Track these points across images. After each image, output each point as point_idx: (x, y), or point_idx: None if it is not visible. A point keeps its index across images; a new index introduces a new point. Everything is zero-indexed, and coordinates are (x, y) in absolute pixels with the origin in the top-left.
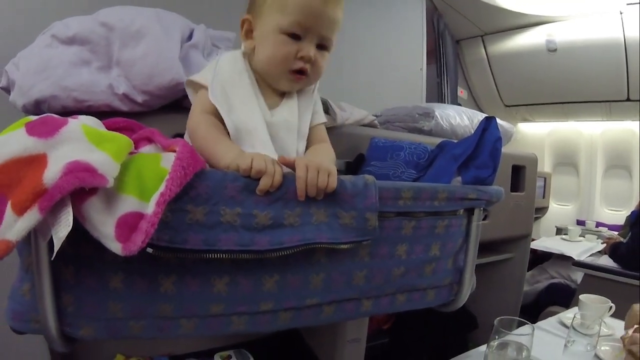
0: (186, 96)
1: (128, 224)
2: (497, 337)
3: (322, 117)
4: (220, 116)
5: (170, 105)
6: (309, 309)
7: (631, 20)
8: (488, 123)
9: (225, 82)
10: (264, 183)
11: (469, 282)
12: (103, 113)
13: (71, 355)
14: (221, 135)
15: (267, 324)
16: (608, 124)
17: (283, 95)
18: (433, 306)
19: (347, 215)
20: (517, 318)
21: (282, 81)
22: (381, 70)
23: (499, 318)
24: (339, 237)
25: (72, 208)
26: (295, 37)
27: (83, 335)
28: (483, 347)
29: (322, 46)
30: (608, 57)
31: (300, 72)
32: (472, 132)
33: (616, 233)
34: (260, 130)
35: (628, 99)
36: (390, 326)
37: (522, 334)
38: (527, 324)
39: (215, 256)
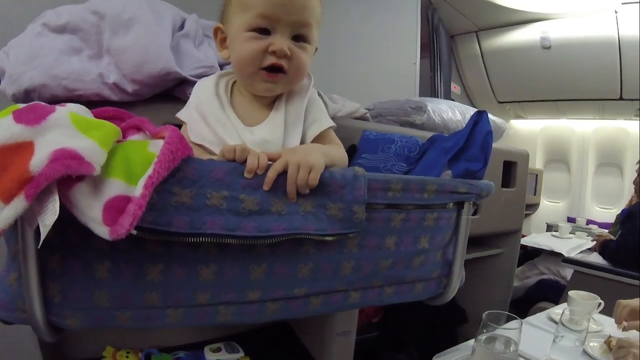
0: (177, 86)
1: (115, 207)
2: (485, 330)
3: (325, 123)
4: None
5: (160, 95)
6: (297, 300)
7: (626, 19)
8: (479, 116)
9: (199, 114)
10: (250, 162)
11: (458, 276)
12: (93, 102)
13: (61, 347)
14: (205, 153)
15: (255, 315)
16: (600, 122)
17: (272, 105)
18: (421, 299)
19: (335, 206)
20: (506, 312)
21: (257, 84)
22: (374, 63)
23: (487, 312)
24: (326, 228)
25: (59, 194)
26: (263, 32)
27: (69, 325)
28: (472, 341)
29: (299, 37)
30: (602, 56)
31: (275, 69)
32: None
33: (606, 231)
34: None
35: (621, 98)
36: (380, 320)
37: (510, 328)
38: (516, 318)
39: (201, 240)
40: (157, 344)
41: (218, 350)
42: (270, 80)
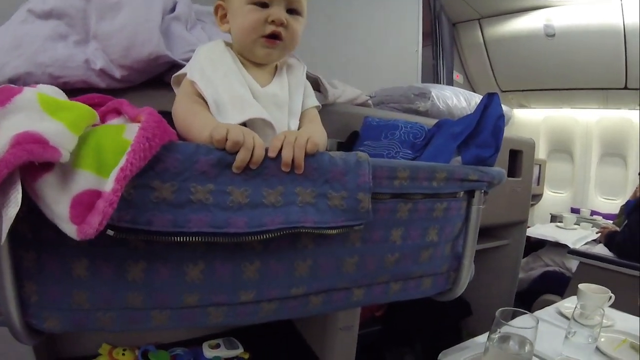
0: (168, 70)
1: (84, 203)
2: (498, 329)
3: (314, 101)
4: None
5: (151, 81)
6: (295, 300)
7: (631, 7)
8: (490, 100)
9: (204, 65)
10: (240, 158)
11: (468, 270)
12: (80, 90)
13: (55, 344)
14: (201, 109)
15: (249, 316)
16: (604, 112)
17: (273, 74)
18: (429, 295)
19: (337, 195)
20: (519, 309)
21: (257, 49)
22: (376, 51)
23: (500, 309)
24: (327, 220)
25: (25, 185)
26: (262, 5)
27: (48, 328)
28: (480, 338)
29: (293, 10)
30: (607, 44)
31: (274, 36)
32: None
33: (611, 222)
34: (247, 97)
35: (626, 87)
36: (383, 314)
37: (526, 327)
38: (528, 314)
39: (186, 239)
40: (155, 341)
41: (217, 346)
42: (270, 46)
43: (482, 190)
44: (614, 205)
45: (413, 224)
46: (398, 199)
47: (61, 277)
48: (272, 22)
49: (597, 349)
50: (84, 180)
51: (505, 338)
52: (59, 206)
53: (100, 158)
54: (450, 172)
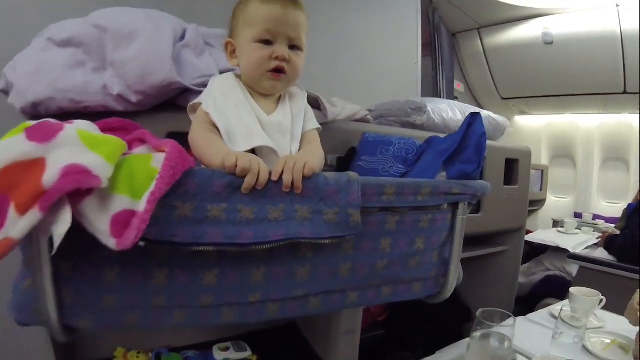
0: (180, 95)
1: (121, 221)
2: (479, 328)
3: (314, 124)
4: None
5: (164, 104)
6: (296, 301)
7: (628, 13)
8: (473, 118)
9: (216, 95)
10: (248, 181)
11: (455, 275)
12: (99, 113)
13: (73, 348)
14: (215, 138)
15: (256, 315)
16: (605, 116)
17: (277, 103)
18: (419, 298)
19: (331, 211)
20: (500, 310)
21: (264, 82)
22: (376, 64)
23: (481, 309)
24: (322, 232)
25: (70, 207)
26: (267, 42)
27: (82, 326)
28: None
29: (294, 46)
30: (605, 50)
31: (278, 70)
32: None
33: (613, 226)
34: (255, 127)
35: (625, 92)
36: (385, 318)
37: (504, 325)
38: (510, 316)
39: (203, 249)
40: (167, 344)
41: (226, 349)
42: (275, 79)
43: (466, 202)
44: (616, 209)
45: (401, 234)
46: (386, 212)
47: (95, 282)
48: (276, 58)
49: (586, 349)
50: (121, 202)
51: (486, 336)
52: (100, 224)
53: (134, 184)
54: (435, 187)
